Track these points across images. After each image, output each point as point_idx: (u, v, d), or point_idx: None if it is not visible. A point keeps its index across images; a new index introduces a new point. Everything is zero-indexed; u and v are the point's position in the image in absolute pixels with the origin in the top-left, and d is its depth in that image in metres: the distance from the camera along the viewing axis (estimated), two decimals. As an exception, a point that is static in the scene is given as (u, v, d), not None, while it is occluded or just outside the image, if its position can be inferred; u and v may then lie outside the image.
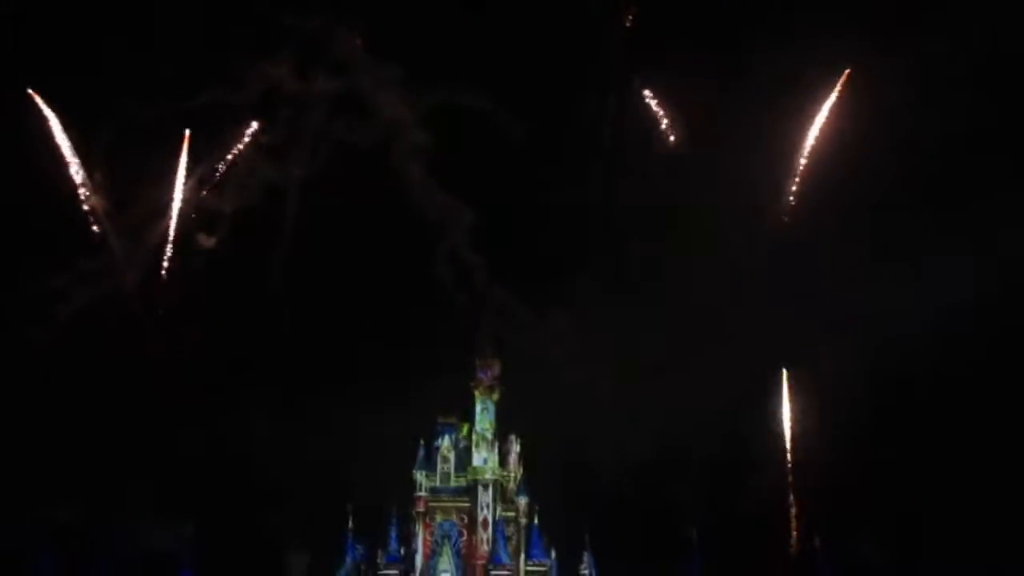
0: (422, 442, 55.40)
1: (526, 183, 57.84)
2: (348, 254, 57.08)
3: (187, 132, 56.46)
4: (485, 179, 56.38)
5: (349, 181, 54.84)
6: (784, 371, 54.88)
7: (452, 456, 55.70)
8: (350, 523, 53.80)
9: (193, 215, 57.16)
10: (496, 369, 56.82)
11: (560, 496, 54.65)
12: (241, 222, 55.54)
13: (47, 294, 54.60)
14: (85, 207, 56.12)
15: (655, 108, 57.49)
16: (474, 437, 55.73)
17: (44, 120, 55.66)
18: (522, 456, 56.23)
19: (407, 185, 53.99)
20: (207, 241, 56.12)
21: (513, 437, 56.42)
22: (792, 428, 54.09)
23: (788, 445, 54.05)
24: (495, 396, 56.61)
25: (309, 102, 55.06)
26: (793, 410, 54.42)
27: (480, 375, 56.59)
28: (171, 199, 56.39)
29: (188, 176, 56.70)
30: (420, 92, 54.26)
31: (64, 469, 52.96)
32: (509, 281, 55.89)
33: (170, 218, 56.41)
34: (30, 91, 55.44)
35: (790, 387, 54.46)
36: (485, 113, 54.36)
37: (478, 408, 56.36)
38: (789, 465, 53.73)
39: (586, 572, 53.55)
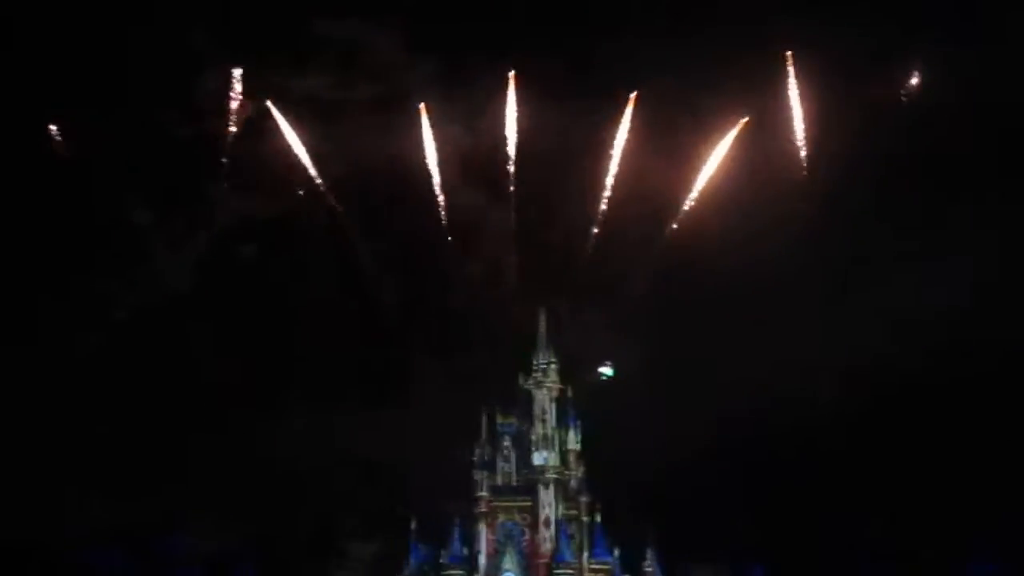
0: (482, 442, 55.37)
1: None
2: (393, 253, 57.29)
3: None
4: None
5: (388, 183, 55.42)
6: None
7: (513, 456, 55.55)
8: (412, 524, 53.82)
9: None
10: (555, 367, 56.73)
11: (623, 493, 54.10)
12: (280, 228, 56.03)
13: (98, 298, 55.51)
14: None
15: None
16: (534, 436, 55.54)
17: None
18: (583, 454, 55.77)
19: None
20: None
21: (573, 435, 56.01)
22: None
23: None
24: (555, 394, 56.48)
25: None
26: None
27: (539, 373, 56.55)
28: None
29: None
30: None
31: (123, 473, 53.60)
32: (558, 278, 55.72)
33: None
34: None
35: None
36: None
37: (537, 407, 56.20)
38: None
39: (650, 570, 53.04)
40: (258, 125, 56.38)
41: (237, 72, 56.12)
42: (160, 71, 55.78)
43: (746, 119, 55.55)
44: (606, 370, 56.69)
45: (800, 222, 53.83)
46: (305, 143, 56.25)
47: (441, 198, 56.56)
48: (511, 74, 56.29)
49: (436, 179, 56.46)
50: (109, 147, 55.93)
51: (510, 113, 56.58)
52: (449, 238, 56.73)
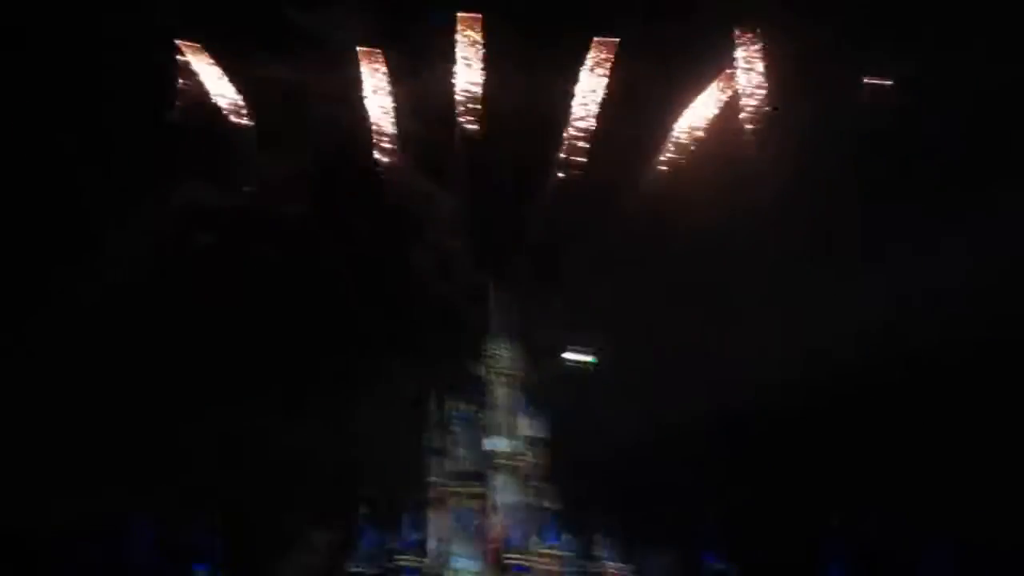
0: (435, 427, 54.91)
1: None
2: (342, 241, 56.72)
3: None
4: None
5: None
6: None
7: (465, 442, 55.07)
8: (363, 510, 53.44)
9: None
10: (507, 352, 56.17)
11: (576, 479, 53.57)
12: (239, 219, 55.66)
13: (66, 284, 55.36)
14: None
15: None
16: (486, 422, 55.04)
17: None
18: (538, 440, 55.23)
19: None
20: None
21: (528, 422, 55.49)
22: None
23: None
24: (510, 380, 55.95)
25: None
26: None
27: (493, 357, 56.03)
28: None
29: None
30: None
31: (87, 461, 53.30)
32: (513, 261, 55.07)
33: None
34: None
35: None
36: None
37: (490, 392, 55.72)
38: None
39: (602, 555, 52.57)
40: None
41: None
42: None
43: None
44: (585, 357, 55.42)
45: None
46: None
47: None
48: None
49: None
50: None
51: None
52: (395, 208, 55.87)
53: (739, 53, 55.21)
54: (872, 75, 54.65)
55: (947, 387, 49.48)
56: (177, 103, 58.00)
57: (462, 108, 57.82)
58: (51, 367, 54.24)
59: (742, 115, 55.62)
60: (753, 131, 55.69)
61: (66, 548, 52.25)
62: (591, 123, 57.13)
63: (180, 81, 57.68)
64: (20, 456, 51.92)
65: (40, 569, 52.27)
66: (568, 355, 55.25)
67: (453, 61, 57.14)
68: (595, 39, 55.88)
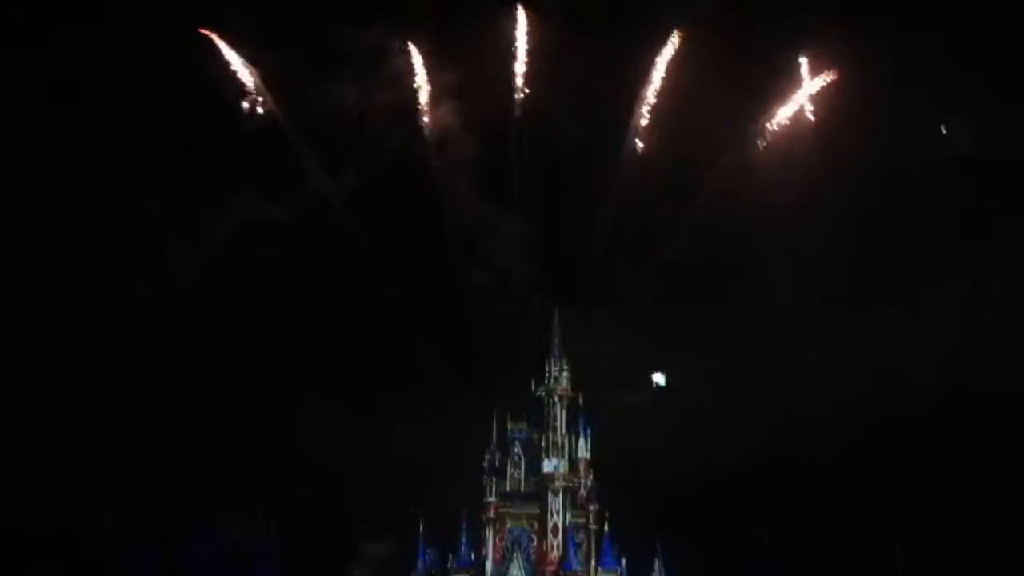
0: (493, 447, 55.67)
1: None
2: (405, 261, 57.63)
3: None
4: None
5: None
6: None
7: (522, 462, 55.74)
8: (421, 527, 54.15)
9: None
10: (567, 374, 56.88)
11: (631, 503, 54.17)
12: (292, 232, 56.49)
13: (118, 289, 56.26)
14: None
15: None
16: (544, 443, 55.73)
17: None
18: (592, 462, 55.87)
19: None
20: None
21: (583, 443, 56.08)
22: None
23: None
24: (566, 401, 56.63)
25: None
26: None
27: (551, 379, 56.75)
28: None
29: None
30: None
31: (150, 465, 54.27)
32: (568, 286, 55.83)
33: None
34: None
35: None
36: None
37: (548, 413, 56.39)
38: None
39: (656, 583, 53.17)
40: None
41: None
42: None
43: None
44: (658, 378, 55.70)
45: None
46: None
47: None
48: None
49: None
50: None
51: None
52: (455, 235, 56.66)
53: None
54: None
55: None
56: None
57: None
58: (116, 371, 55.45)
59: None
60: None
61: (129, 549, 53.08)
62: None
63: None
64: (86, 457, 53.11)
65: (103, 569, 53.31)
66: (661, 379, 55.40)
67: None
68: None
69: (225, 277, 58.69)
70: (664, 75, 56.73)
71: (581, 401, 56.25)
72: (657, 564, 53.12)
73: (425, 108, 58.92)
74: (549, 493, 54.57)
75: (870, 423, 51.86)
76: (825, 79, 55.70)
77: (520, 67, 57.59)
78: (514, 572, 53.63)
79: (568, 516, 54.20)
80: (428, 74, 58.75)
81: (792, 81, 56.60)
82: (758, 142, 56.33)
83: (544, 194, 58.59)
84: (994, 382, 49.67)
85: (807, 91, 56.25)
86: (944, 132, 55.12)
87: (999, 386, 49.52)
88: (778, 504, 53.49)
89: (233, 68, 58.13)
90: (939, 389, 50.17)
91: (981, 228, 53.57)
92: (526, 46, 57.36)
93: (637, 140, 57.85)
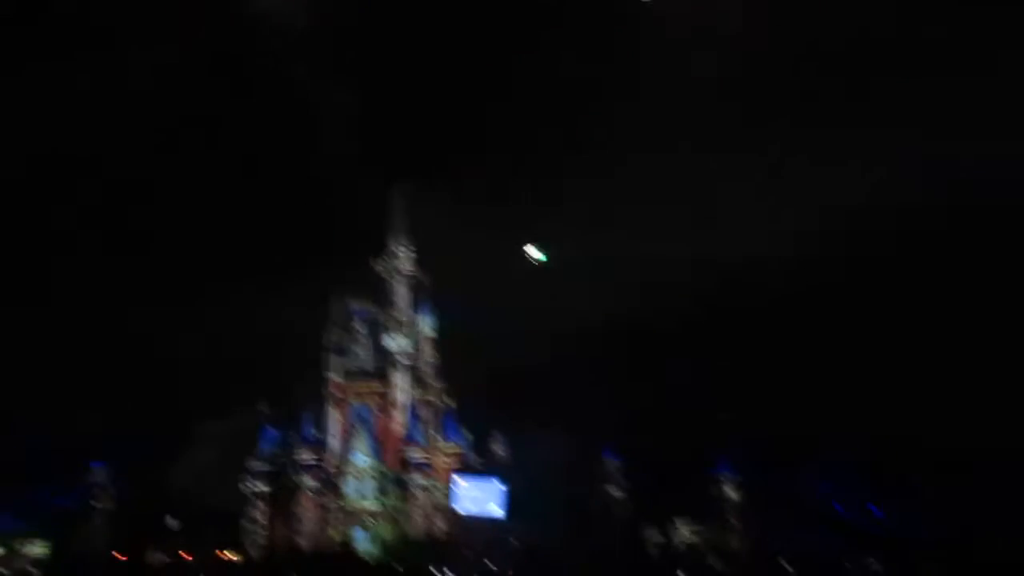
0: (334, 326, 54.97)
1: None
2: (241, 139, 55.09)
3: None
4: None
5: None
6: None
7: (366, 340, 55.46)
8: (263, 407, 53.20)
9: None
10: (410, 252, 56.50)
11: (479, 379, 54.46)
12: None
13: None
14: None
15: None
16: (387, 320, 55.50)
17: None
18: (438, 340, 56.11)
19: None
20: None
21: (429, 321, 56.20)
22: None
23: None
24: (409, 279, 56.44)
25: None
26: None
27: (394, 257, 56.28)
28: None
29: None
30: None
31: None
32: (410, 162, 54.90)
33: None
34: None
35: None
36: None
37: (391, 291, 56.09)
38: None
39: (500, 452, 54.29)
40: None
41: None
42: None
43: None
44: (535, 252, 53.17)
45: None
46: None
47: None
48: None
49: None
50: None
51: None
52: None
53: None
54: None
55: (835, 300, 52.63)
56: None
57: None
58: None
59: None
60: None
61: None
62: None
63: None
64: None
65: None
66: (539, 253, 53.77)
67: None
68: None
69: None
70: None
71: (426, 281, 56.25)
72: (497, 435, 54.18)
73: None
74: (392, 370, 54.78)
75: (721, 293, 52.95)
76: None
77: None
78: (358, 447, 53.69)
79: (414, 393, 54.72)
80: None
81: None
82: None
83: (388, 62, 56.73)
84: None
85: None
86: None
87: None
88: (628, 373, 54.60)
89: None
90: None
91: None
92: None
93: None
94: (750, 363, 52.63)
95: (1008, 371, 44.78)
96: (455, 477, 50.94)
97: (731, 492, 52.85)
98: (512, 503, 48.98)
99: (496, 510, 48.79)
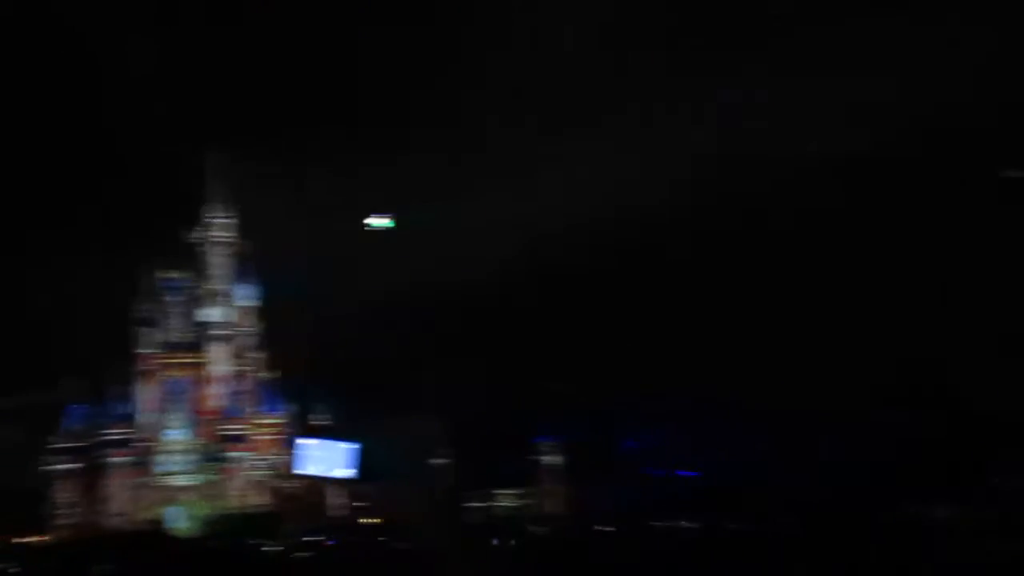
0: (146, 297, 52.77)
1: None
2: (43, 101, 51.94)
3: None
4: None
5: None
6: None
7: (180, 312, 53.50)
8: (68, 384, 50.65)
9: None
10: (227, 220, 54.70)
11: (304, 350, 53.21)
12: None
13: None
14: None
15: None
16: (203, 290, 53.70)
17: None
18: (260, 310, 54.59)
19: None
20: None
21: (248, 291, 54.58)
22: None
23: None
24: (229, 249, 54.63)
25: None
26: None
27: (210, 226, 54.36)
28: None
29: None
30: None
31: None
32: (233, 128, 52.86)
33: None
34: None
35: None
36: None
37: (207, 261, 54.25)
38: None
39: (323, 423, 53.17)
40: None
41: None
42: None
43: None
44: (381, 221, 48.38)
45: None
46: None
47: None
48: None
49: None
50: None
51: None
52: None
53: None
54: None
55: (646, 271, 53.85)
56: None
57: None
58: None
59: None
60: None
61: None
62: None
63: None
64: None
65: None
66: (370, 220, 51.65)
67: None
68: None
69: None
70: None
71: (247, 250, 54.48)
72: (322, 408, 53.09)
73: None
74: (209, 341, 53.11)
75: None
76: None
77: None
78: (173, 422, 51.94)
79: (227, 364, 53.12)
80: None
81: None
82: None
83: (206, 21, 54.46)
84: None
85: None
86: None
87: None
88: (456, 346, 54.34)
89: None
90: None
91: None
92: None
93: None
94: (572, 332, 53.47)
95: (810, 333, 46.88)
96: (298, 441, 49.52)
97: (553, 459, 53.69)
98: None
99: (344, 471, 47.33)
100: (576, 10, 50.89)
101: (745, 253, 50.92)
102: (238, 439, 51.84)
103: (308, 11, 53.91)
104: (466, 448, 53.68)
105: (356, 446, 47.17)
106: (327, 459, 47.35)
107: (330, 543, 38.32)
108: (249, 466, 51.53)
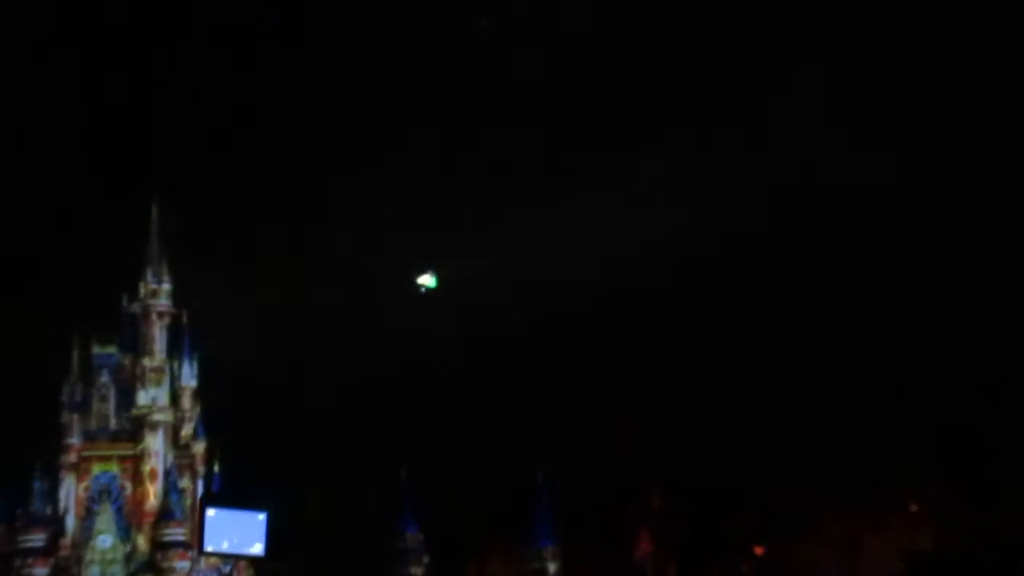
0: (74, 377, 46.51)
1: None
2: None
3: None
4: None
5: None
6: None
7: (112, 394, 46.82)
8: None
9: None
10: (167, 286, 48.06)
11: (248, 437, 46.73)
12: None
13: None
14: None
15: None
16: (139, 370, 46.89)
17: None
18: (200, 391, 47.97)
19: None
20: None
21: (188, 369, 47.99)
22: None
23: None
24: (166, 319, 47.94)
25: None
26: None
27: (147, 295, 47.76)
28: None
29: None
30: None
31: None
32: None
33: None
34: None
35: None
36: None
37: (145, 334, 47.48)
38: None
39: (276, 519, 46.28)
40: None
41: None
42: None
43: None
44: (427, 280, 45.16)
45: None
46: None
47: None
48: None
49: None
50: None
51: None
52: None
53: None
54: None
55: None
56: None
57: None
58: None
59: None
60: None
61: None
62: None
63: None
64: None
65: None
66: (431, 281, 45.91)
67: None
68: None
69: None
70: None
71: (185, 319, 48.05)
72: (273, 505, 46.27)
73: None
74: (146, 430, 46.21)
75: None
76: None
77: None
78: (102, 526, 45.01)
79: (169, 457, 46.31)
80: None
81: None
82: None
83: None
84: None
85: None
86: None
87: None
88: (413, 423, 48.46)
89: None
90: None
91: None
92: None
93: None
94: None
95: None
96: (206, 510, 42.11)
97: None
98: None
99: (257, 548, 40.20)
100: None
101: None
102: (178, 545, 44.83)
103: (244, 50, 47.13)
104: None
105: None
106: (241, 533, 40.24)
107: None
108: (190, 578, 44.58)
